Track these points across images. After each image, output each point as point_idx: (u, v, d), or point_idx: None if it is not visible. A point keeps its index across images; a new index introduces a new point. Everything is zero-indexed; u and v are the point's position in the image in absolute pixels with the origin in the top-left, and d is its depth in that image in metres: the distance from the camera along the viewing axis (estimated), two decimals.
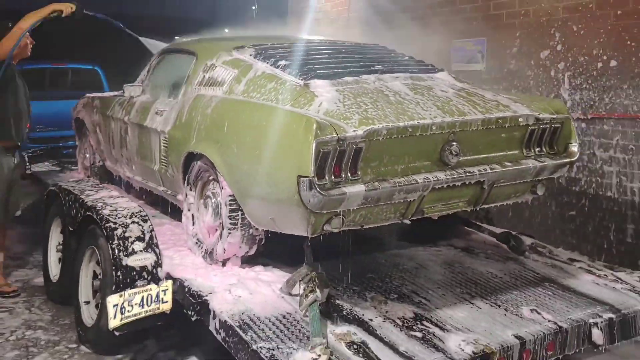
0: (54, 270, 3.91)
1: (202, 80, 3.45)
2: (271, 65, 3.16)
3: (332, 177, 2.49)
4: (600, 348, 2.71)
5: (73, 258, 3.44)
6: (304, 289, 2.63)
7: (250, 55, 3.34)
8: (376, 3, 6.40)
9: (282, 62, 3.14)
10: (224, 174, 2.89)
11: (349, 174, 2.53)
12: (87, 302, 3.32)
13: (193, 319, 2.77)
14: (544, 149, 3.11)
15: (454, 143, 2.77)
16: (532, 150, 3.08)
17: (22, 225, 5.32)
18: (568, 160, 3.11)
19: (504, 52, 5.11)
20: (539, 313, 2.72)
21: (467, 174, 2.80)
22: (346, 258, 3.19)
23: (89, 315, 3.28)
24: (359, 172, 2.56)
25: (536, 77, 4.87)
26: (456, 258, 3.36)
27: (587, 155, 4.53)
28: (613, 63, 4.32)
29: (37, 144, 6.94)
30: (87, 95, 5.08)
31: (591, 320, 2.67)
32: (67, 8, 4.11)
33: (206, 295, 2.73)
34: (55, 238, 3.91)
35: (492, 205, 3.13)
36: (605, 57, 4.37)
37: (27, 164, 5.49)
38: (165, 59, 4.13)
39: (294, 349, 2.34)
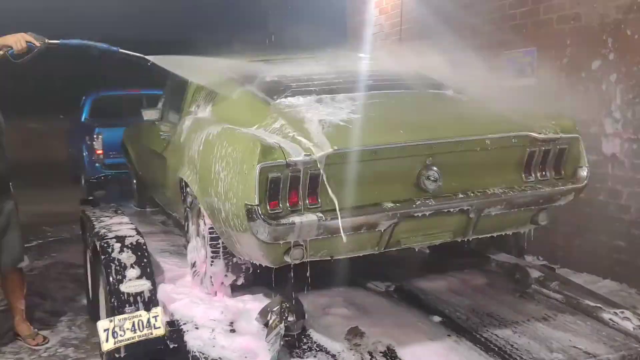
0: (91, 291, 4.19)
1: (193, 101, 3.48)
2: (248, 83, 3.10)
3: (287, 205, 2.41)
4: None
5: (92, 283, 3.70)
6: (273, 320, 2.62)
7: (233, 73, 3.29)
8: (427, 14, 6.23)
9: (259, 79, 3.07)
10: (200, 200, 2.88)
11: (307, 202, 2.44)
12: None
13: (170, 346, 2.82)
14: (549, 174, 2.85)
15: (434, 167, 2.59)
16: (534, 175, 2.82)
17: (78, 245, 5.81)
18: (574, 186, 2.82)
19: (554, 64, 4.72)
20: (531, 352, 2.50)
21: (445, 202, 2.62)
22: (338, 286, 3.14)
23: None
24: (319, 200, 2.45)
25: (586, 91, 4.45)
26: (456, 290, 3.17)
27: (638, 180, 4.07)
28: None
29: (111, 170, 7.38)
30: (133, 124, 5.32)
31: None
32: (19, 43, 3.25)
33: (183, 325, 2.79)
34: (88, 262, 4.17)
35: (486, 235, 2.91)
36: None
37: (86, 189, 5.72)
38: (174, 82, 4.14)
39: None
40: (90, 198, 5.85)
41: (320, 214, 2.44)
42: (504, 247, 3.66)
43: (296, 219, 2.40)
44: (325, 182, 2.44)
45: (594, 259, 4.44)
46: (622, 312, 2.79)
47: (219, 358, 2.47)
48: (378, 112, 2.80)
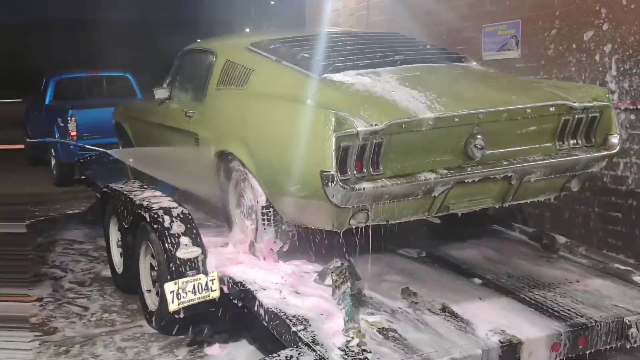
0: (118, 263, 4.27)
1: (223, 78, 3.58)
2: (288, 60, 3.21)
3: (355, 172, 2.57)
4: (635, 344, 2.66)
5: (131, 252, 3.78)
6: (335, 280, 2.79)
7: (267, 50, 3.40)
8: None
9: (300, 56, 3.18)
10: (253, 172, 3.02)
11: (371, 169, 2.60)
12: (149, 291, 3.65)
13: (240, 305, 3.00)
14: (580, 141, 3.03)
15: (479, 136, 2.76)
16: (566, 143, 3.00)
17: (83, 224, 5.97)
18: (607, 153, 3.00)
19: (541, 36, 4.75)
20: (571, 309, 2.71)
21: (493, 168, 2.81)
22: (376, 253, 3.31)
23: (152, 301, 3.61)
24: (380, 167, 2.62)
25: (578, 63, 4.54)
26: (486, 256, 3.36)
27: (636, 150, 4.24)
28: None
29: (85, 152, 7.29)
30: (125, 102, 5.42)
31: (626, 319, 2.63)
32: None
33: (249, 285, 2.94)
34: (114, 235, 4.27)
35: (523, 201, 3.11)
36: None
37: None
38: (188, 60, 4.27)
39: (330, 332, 2.47)
40: (83, 177, 5.94)
41: (386, 180, 2.60)
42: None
43: (370, 184, 2.56)
44: (389, 150, 2.61)
45: (588, 230, 4.59)
46: None
47: (296, 315, 2.63)
48: (423, 85, 2.93)
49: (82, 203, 6.94)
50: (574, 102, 2.92)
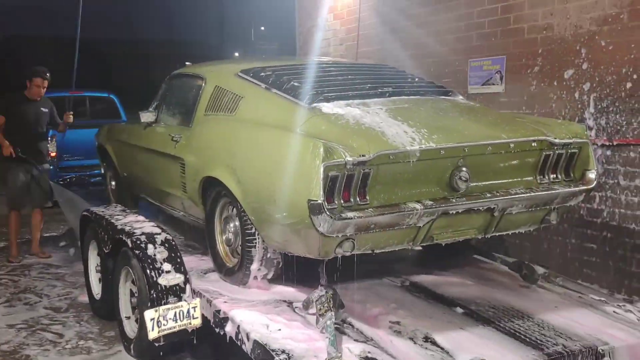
0: (96, 289, 4.19)
1: (212, 104, 3.60)
2: (278, 88, 3.25)
3: (342, 201, 2.60)
4: None
5: (111, 278, 3.73)
6: (319, 309, 2.79)
7: (257, 78, 3.44)
8: (387, 19, 6.26)
9: (290, 85, 3.22)
10: (239, 198, 3.02)
11: (358, 199, 2.64)
12: (128, 317, 3.59)
13: (221, 333, 2.96)
14: (559, 176, 3.12)
15: (464, 168, 2.83)
16: (546, 177, 3.09)
17: (59, 249, 5.97)
18: (584, 188, 3.10)
19: (525, 72, 4.91)
20: (548, 338, 2.75)
21: (477, 200, 2.87)
22: (360, 281, 3.32)
23: (131, 328, 3.55)
24: (367, 197, 2.66)
25: (559, 99, 4.70)
26: (468, 285, 3.39)
27: (611, 185, 4.38)
28: None
29: (66, 173, 7.32)
30: (109, 124, 5.42)
31: (600, 348, 2.67)
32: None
33: (232, 313, 2.91)
34: (93, 259, 4.20)
35: (504, 233, 3.17)
36: (635, 76, 4.15)
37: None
38: (176, 84, 4.28)
39: None
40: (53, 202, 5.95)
41: (372, 210, 2.63)
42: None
43: (354, 214, 2.59)
44: (376, 181, 2.65)
45: (565, 261, 4.67)
46: (624, 305, 3.12)
47: (280, 344, 2.61)
48: (410, 117, 3.00)
49: (60, 226, 6.84)
50: (555, 138, 3.02)
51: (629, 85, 4.23)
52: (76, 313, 4.32)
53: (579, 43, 4.55)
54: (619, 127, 4.37)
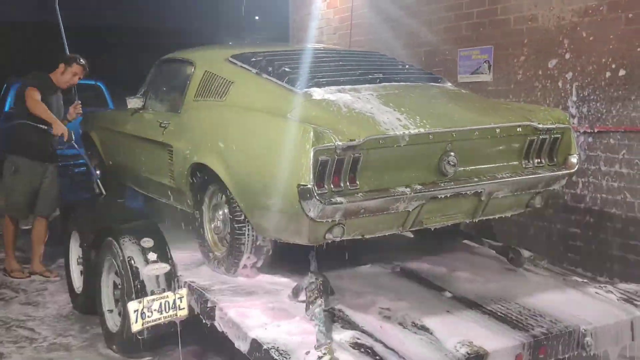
0: (77, 282, 4.11)
1: (201, 90, 3.53)
2: (269, 73, 3.22)
3: (332, 186, 2.58)
4: (590, 353, 2.76)
5: (93, 270, 3.64)
6: (309, 296, 2.77)
7: (248, 63, 3.39)
8: (380, 9, 6.31)
9: (281, 70, 3.19)
10: (228, 185, 2.97)
11: (348, 184, 2.62)
12: (111, 311, 3.52)
13: (209, 324, 2.91)
14: (543, 160, 3.17)
15: (452, 153, 2.84)
16: (531, 161, 3.13)
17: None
18: (567, 172, 3.16)
19: (511, 61, 5.02)
20: (534, 320, 2.78)
21: (465, 184, 2.89)
22: (350, 267, 3.31)
23: (113, 322, 3.48)
24: (357, 182, 2.65)
25: (544, 88, 4.81)
26: (456, 269, 3.41)
27: (592, 170, 4.47)
28: (622, 72, 4.23)
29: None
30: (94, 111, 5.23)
31: (582, 328, 2.71)
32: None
33: (219, 302, 2.86)
34: (75, 252, 4.11)
35: (491, 217, 3.20)
36: (614, 66, 4.27)
37: None
38: (165, 70, 4.19)
39: (303, 349, 2.42)
40: None
41: (362, 195, 2.62)
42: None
43: (344, 199, 2.57)
44: (366, 165, 2.64)
45: (550, 245, 4.77)
46: (605, 287, 3.18)
47: (267, 332, 2.58)
48: (400, 103, 3.01)
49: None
50: (539, 123, 3.07)
51: (608, 74, 4.34)
52: (57, 309, 4.21)
53: (562, 34, 4.65)
54: (599, 115, 4.46)
